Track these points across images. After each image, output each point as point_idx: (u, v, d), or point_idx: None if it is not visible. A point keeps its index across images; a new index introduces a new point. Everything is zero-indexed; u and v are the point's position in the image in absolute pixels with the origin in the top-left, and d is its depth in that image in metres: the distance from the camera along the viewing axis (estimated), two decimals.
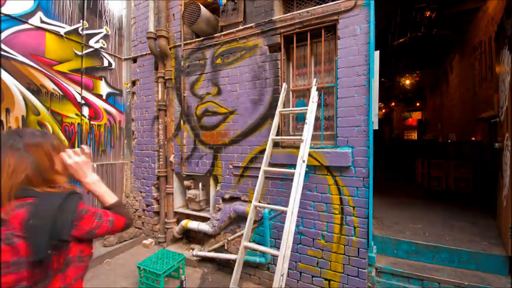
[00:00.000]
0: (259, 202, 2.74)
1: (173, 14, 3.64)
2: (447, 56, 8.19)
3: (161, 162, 3.68)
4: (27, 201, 0.85)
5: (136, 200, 4.04)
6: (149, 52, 3.74)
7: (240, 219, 3.01)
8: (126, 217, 1.09)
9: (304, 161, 2.24)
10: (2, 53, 2.74)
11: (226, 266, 3.10)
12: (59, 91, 3.30)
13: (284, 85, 2.73)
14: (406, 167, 6.85)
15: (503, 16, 2.67)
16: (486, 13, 4.90)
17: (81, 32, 3.54)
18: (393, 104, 14.28)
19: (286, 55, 2.91)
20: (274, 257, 2.75)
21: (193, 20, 3.07)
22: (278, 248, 2.73)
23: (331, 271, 2.48)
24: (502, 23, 2.69)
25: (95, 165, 3.66)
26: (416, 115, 13.70)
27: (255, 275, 2.90)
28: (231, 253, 3.02)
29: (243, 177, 3.01)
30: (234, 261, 2.92)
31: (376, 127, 2.33)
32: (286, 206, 2.13)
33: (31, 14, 2.99)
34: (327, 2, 2.57)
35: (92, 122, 3.70)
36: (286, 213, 2.09)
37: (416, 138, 13.38)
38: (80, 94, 3.54)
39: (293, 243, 2.64)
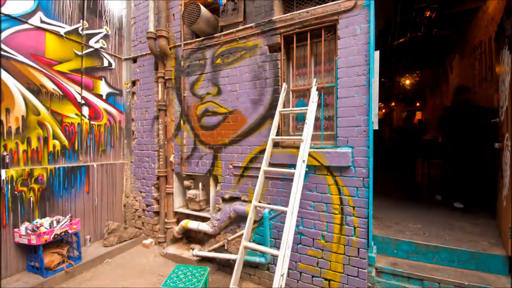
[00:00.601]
0: (259, 202, 2.74)
1: (173, 14, 3.64)
2: (447, 56, 8.18)
3: (161, 162, 3.68)
4: None
5: (136, 200, 4.04)
6: (149, 52, 3.74)
7: (240, 219, 3.01)
8: None
9: (304, 161, 2.24)
10: (2, 53, 2.74)
11: (226, 266, 3.10)
12: (59, 91, 3.30)
13: (284, 85, 2.73)
14: (406, 167, 6.84)
15: (503, 16, 2.67)
16: (486, 13, 4.90)
17: (81, 32, 3.54)
18: (393, 104, 14.28)
19: (286, 55, 2.91)
20: (274, 257, 2.75)
21: (193, 20, 3.07)
22: (278, 248, 2.74)
23: (331, 271, 2.48)
24: (502, 23, 2.69)
25: (95, 165, 3.66)
26: (417, 115, 13.69)
27: (255, 275, 2.90)
28: (231, 253, 3.02)
29: (243, 177, 3.01)
30: (234, 261, 2.92)
31: (376, 127, 2.33)
32: (286, 206, 2.13)
33: (31, 14, 2.99)
34: (327, 2, 2.57)
35: (92, 122, 3.70)
36: (286, 213, 2.09)
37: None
38: (80, 94, 3.54)
39: (293, 243, 2.65)
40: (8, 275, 2.71)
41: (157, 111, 3.71)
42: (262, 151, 2.83)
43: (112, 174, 3.93)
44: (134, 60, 4.07)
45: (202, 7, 3.05)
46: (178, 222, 3.66)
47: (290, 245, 2.01)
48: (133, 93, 4.08)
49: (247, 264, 2.90)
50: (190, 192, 3.50)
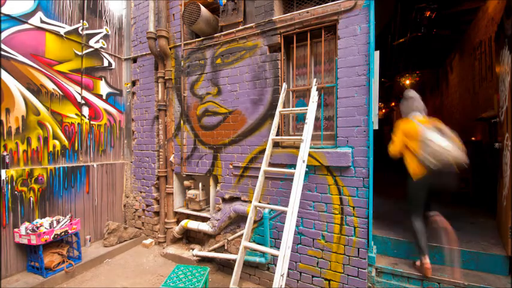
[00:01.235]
0: (259, 202, 2.74)
1: (173, 14, 3.64)
2: (447, 56, 8.19)
3: (161, 162, 3.68)
4: None
5: (137, 200, 4.04)
6: (149, 52, 3.74)
7: (240, 219, 3.01)
8: None
9: (304, 161, 2.24)
10: (2, 53, 2.74)
11: (226, 266, 3.10)
12: (59, 91, 3.30)
13: (284, 85, 2.73)
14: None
15: (503, 16, 2.67)
16: (486, 13, 4.90)
17: (81, 32, 3.54)
18: (393, 104, 14.28)
19: (286, 55, 2.91)
20: (274, 257, 2.75)
21: (193, 20, 3.07)
22: (278, 248, 2.74)
23: (331, 271, 2.48)
24: (502, 23, 2.69)
25: (95, 165, 3.66)
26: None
27: (255, 275, 2.90)
28: (231, 253, 3.02)
29: (243, 177, 3.01)
30: (234, 261, 2.92)
31: (376, 127, 2.33)
32: (286, 206, 2.14)
33: (31, 14, 2.99)
34: (327, 2, 2.57)
35: (92, 122, 3.70)
36: (286, 213, 2.09)
37: None
38: (80, 94, 3.54)
39: (293, 243, 2.65)
40: (8, 275, 2.72)
41: (157, 111, 3.71)
42: (262, 151, 2.83)
43: (112, 174, 3.93)
44: (134, 60, 4.07)
45: (202, 7, 3.05)
46: (178, 222, 3.66)
47: (290, 245, 2.00)
48: (133, 93, 4.08)
49: (247, 264, 2.90)
50: (190, 192, 3.50)
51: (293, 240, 2.65)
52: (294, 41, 2.76)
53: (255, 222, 2.85)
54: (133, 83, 4.08)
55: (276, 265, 2.66)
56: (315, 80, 2.59)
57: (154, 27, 3.58)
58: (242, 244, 2.28)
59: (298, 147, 2.61)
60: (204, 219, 3.37)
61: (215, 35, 3.18)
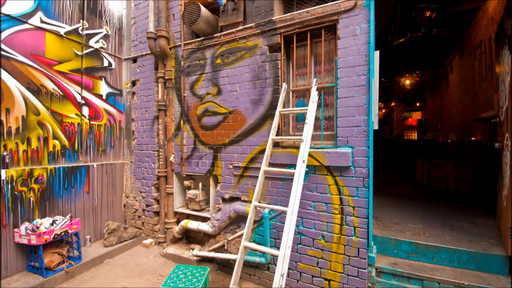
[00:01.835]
0: (259, 202, 2.74)
1: (173, 14, 3.64)
2: (447, 56, 8.19)
3: (161, 162, 3.68)
4: None
5: (137, 200, 4.04)
6: (149, 52, 3.74)
7: (240, 219, 3.01)
8: None
9: (304, 161, 2.24)
10: (2, 53, 2.74)
11: (226, 266, 3.10)
12: (59, 91, 3.30)
13: (284, 85, 2.73)
14: (406, 167, 6.85)
15: (503, 16, 2.67)
16: (486, 13, 4.90)
17: (81, 32, 3.54)
18: (393, 104, 14.29)
19: (286, 55, 2.91)
20: (274, 257, 2.75)
21: (193, 20, 3.07)
22: (278, 248, 2.73)
23: (331, 271, 2.48)
24: (502, 23, 2.69)
25: (95, 165, 3.66)
26: (416, 115, 13.71)
27: (255, 275, 2.90)
28: (231, 253, 3.02)
29: (243, 177, 3.01)
30: (234, 261, 2.92)
31: (376, 127, 2.33)
32: (286, 206, 2.14)
33: (31, 14, 2.99)
34: (327, 2, 2.57)
35: (92, 122, 3.70)
36: (286, 213, 2.09)
37: (416, 138, 13.39)
38: (80, 94, 3.54)
39: (293, 243, 2.65)
40: (8, 275, 2.72)
41: (157, 111, 3.71)
42: (262, 151, 2.83)
43: (112, 174, 3.93)
44: (134, 60, 4.07)
45: (202, 7, 3.05)
46: (178, 222, 3.66)
47: (290, 245, 2.00)
48: (134, 93, 4.08)
49: (247, 264, 2.90)
50: (190, 192, 3.50)
51: (293, 240, 2.65)
52: (294, 41, 2.76)
53: (255, 222, 2.85)
54: (133, 83, 4.08)
55: (276, 265, 2.66)
56: (315, 80, 2.59)
57: (154, 27, 3.58)
58: (242, 244, 2.28)
59: (298, 147, 2.61)
60: (204, 219, 3.37)
61: (215, 35, 3.18)
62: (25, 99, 2.95)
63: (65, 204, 3.29)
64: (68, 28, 3.38)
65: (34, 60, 3.04)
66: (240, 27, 3.01)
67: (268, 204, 2.78)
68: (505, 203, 2.40)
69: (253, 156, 2.93)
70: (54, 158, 3.23)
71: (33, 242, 2.65)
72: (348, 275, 2.41)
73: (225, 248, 3.05)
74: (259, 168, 2.85)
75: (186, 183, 3.57)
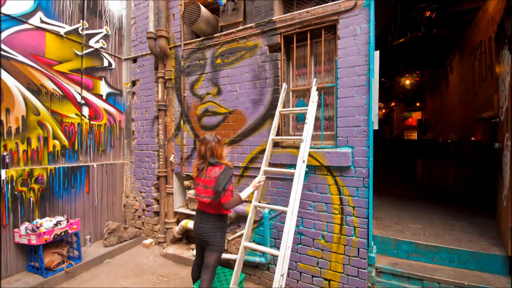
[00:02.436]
0: (259, 202, 2.74)
1: (173, 14, 3.64)
2: (447, 56, 8.19)
3: (161, 162, 3.68)
4: (218, 166, 2.07)
5: (137, 200, 4.04)
6: (149, 52, 3.74)
7: (240, 219, 3.01)
8: (232, 203, 2.04)
9: (304, 161, 2.24)
10: (2, 53, 2.74)
11: (226, 266, 3.10)
12: (59, 91, 3.30)
13: (284, 85, 2.73)
14: (406, 167, 6.86)
15: (503, 16, 2.67)
16: (486, 13, 4.91)
17: (81, 32, 3.54)
18: (393, 104, 14.29)
19: (286, 55, 2.91)
20: (274, 257, 2.75)
21: (193, 20, 3.07)
22: (278, 248, 2.73)
23: (331, 271, 2.48)
24: (502, 23, 2.69)
25: (95, 165, 3.66)
26: (416, 115, 13.71)
27: (255, 275, 2.90)
28: (231, 253, 3.02)
29: (243, 177, 3.01)
30: (234, 261, 2.92)
31: (376, 127, 2.33)
32: (286, 206, 2.13)
33: (31, 14, 2.99)
34: (327, 2, 2.57)
35: (92, 122, 3.70)
36: (286, 213, 2.09)
37: (416, 138, 13.39)
38: (80, 94, 3.54)
39: (293, 243, 2.65)
40: (8, 275, 2.72)
41: (157, 111, 3.71)
42: (262, 151, 2.83)
43: (112, 174, 3.93)
44: (134, 60, 4.07)
45: (202, 7, 3.05)
46: (178, 222, 3.66)
47: (290, 245, 2.01)
48: (134, 93, 4.08)
49: (247, 264, 2.90)
50: (190, 192, 3.49)
51: (293, 240, 2.65)
52: (294, 41, 2.76)
53: (255, 222, 2.85)
54: (133, 83, 4.08)
55: (276, 265, 2.66)
56: (315, 80, 2.59)
57: (154, 27, 3.58)
58: (242, 244, 2.28)
59: (298, 147, 2.61)
60: None
61: (215, 35, 3.18)
62: (25, 99, 2.95)
63: (65, 204, 3.29)
64: (68, 28, 3.38)
65: (34, 60, 3.04)
66: (240, 27, 3.01)
67: (268, 204, 2.77)
68: (505, 203, 2.40)
69: (253, 156, 2.93)
70: (54, 158, 3.23)
71: (33, 242, 2.66)
72: (348, 275, 2.41)
73: (225, 248, 3.05)
74: (259, 168, 2.84)
75: (186, 183, 3.57)
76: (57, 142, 3.26)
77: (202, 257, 2.21)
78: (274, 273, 2.75)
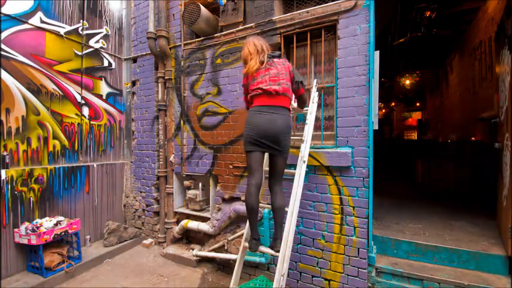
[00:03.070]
0: (259, 202, 2.74)
1: (173, 14, 3.64)
2: (447, 56, 8.19)
3: (161, 162, 3.68)
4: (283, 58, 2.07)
5: (137, 200, 4.04)
6: (149, 52, 3.74)
7: (240, 219, 3.01)
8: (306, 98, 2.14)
9: (304, 162, 2.23)
10: (2, 53, 2.74)
11: (226, 266, 3.10)
12: (59, 91, 3.30)
13: (315, 80, 2.72)
14: (406, 167, 6.87)
15: (503, 16, 2.67)
16: (486, 13, 4.90)
17: (81, 32, 3.54)
18: (393, 104, 14.29)
19: (286, 55, 2.91)
20: (274, 257, 2.75)
21: (193, 20, 3.07)
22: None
23: (331, 271, 2.48)
24: (502, 23, 2.69)
25: (95, 165, 3.66)
26: (416, 115, 13.71)
27: (255, 274, 2.90)
28: (231, 253, 3.02)
29: (243, 177, 3.00)
30: (234, 261, 2.92)
31: (376, 127, 2.33)
32: (287, 205, 2.13)
33: (31, 14, 2.99)
34: (327, 2, 2.57)
35: (92, 122, 3.70)
36: (286, 214, 2.09)
37: (416, 138, 13.39)
38: (80, 94, 3.54)
39: (293, 243, 2.64)
40: (8, 275, 2.71)
41: (157, 111, 3.71)
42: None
43: (112, 174, 3.93)
44: (134, 60, 4.07)
45: (202, 7, 3.05)
46: (178, 222, 3.66)
47: (290, 245, 1.99)
48: (134, 93, 4.08)
49: (247, 264, 2.90)
50: (190, 192, 3.50)
51: (293, 240, 2.66)
52: (294, 41, 2.76)
53: None
54: (134, 83, 4.08)
55: (276, 265, 2.66)
56: (315, 80, 2.58)
57: (154, 27, 3.58)
58: (242, 244, 2.28)
59: (298, 147, 2.61)
60: (204, 219, 3.37)
61: (215, 35, 3.18)
62: (25, 99, 2.95)
63: (65, 204, 3.29)
64: (68, 28, 3.38)
65: (34, 60, 3.04)
66: (240, 27, 3.01)
67: (268, 204, 2.77)
68: (505, 203, 2.40)
69: None
70: (54, 158, 3.23)
71: (33, 242, 2.66)
72: (348, 275, 2.41)
73: (225, 248, 3.05)
74: None
75: (186, 183, 3.57)
76: (57, 142, 3.26)
77: (261, 172, 1.97)
78: (274, 273, 2.75)
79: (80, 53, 3.53)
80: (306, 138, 2.29)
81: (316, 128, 2.73)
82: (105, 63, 3.89)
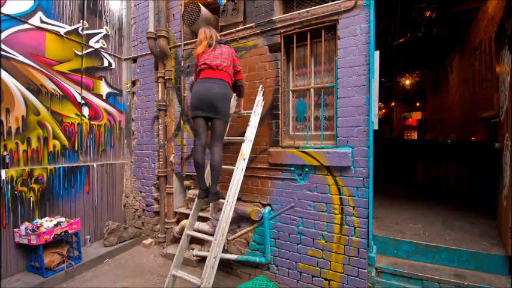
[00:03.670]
0: (260, 202, 2.76)
1: (173, 14, 3.64)
2: (447, 56, 8.19)
3: (161, 162, 3.68)
4: (228, 45, 2.54)
5: (137, 200, 4.04)
6: (149, 52, 3.74)
7: (240, 219, 3.01)
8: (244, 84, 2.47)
9: (244, 159, 2.47)
10: (2, 53, 2.74)
11: (226, 266, 3.10)
12: (59, 91, 3.30)
13: (261, 86, 2.81)
14: (406, 167, 6.86)
15: (503, 16, 2.66)
16: (486, 13, 4.90)
17: (81, 32, 3.54)
18: (393, 104, 14.29)
19: (286, 55, 2.91)
20: (275, 257, 2.76)
21: (193, 20, 3.07)
22: (278, 248, 2.76)
23: (331, 271, 2.48)
24: (502, 23, 2.69)
25: (95, 165, 3.66)
26: (416, 115, 13.71)
27: (255, 274, 2.90)
28: (231, 253, 3.02)
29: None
30: (234, 261, 2.94)
31: (376, 127, 2.33)
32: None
33: (31, 14, 2.99)
34: (327, 2, 2.57)
35: (92, 122, 3.70)
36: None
37: (416, 138, 13.39)
38: (80, 94, 3.54)
39: (293, 243, 2.66)
40: (8, 275, 2.72)
41: (157, 111, 3.71)
42: (263, 151, 2.84)
43: (112, 174, 3.93)
44: (134, 60, 4.07)
45: (202, 7, 3.05)
46: (178, 222, 3.66)
47: (225, 233, 2.26)
48: (133, 93, 4.08)
49: (247, 264, 2.90)
50: (191, 192, 3.50)
51: (293, 240, 2.67)
52: (294, 41, 2.76)
53: (255, 222, 2.86)
54: (134, 83, 4.08)
55: (275, 264, 2.67)
56: (261, 86, 2.77)
57: (154, 27, 3.58)
58: (185, 232, 2.54)
59: (298, 147, 2.63)
60: (204, 219, 3.37)
61: None
62: (25, 99, 2.95)
63: (65, 204, 3.29)
64: (68, 28, 3.38)
65: (34, 60, 3.04)
66: (240, 27, 3.01)
67: (266, 203, 2.78)
68: (505, 203, 2.40)
69: (254, 156, 2.92)
70: (54, 158, 3.23)
71: (33, 242, 2.66)
72: (348, 275, 2.41)
73: (225, 248, 3.05)
74: (259, 168, 2.86)
75: (186, 183, 3.57)
76: (57, 142, 3.26)
77: (205, 135, 2.35)
78: (274, 273, 2.77)
79: (80, 53, 3.53)
80: (249, 138, 2.55)
81: (316, 128, 2.74)
82: (105, 63, 3.89)
